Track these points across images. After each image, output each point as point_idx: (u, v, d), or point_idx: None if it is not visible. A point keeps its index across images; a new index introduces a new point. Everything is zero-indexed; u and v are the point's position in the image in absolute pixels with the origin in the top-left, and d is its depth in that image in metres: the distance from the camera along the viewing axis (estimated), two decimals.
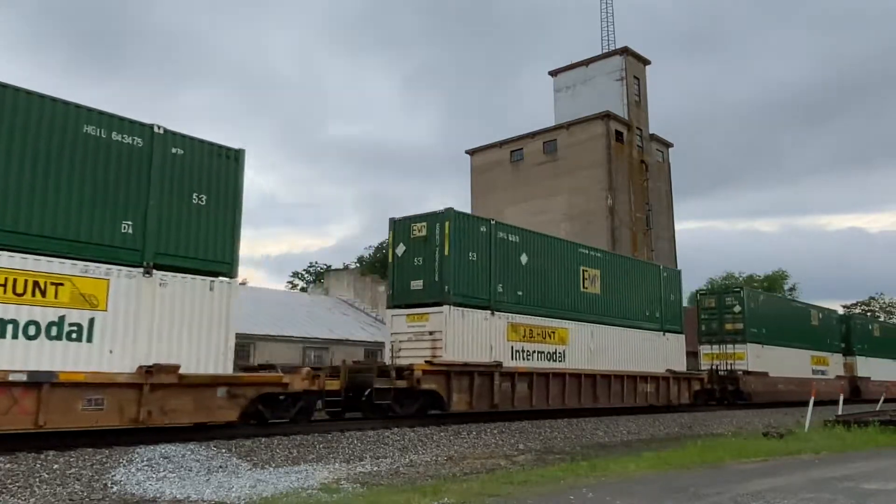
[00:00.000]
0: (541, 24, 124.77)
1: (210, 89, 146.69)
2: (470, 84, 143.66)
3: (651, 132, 51.06)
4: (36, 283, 9.55)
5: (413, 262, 16.44)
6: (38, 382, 9.24)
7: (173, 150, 11.37)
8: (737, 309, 28.10)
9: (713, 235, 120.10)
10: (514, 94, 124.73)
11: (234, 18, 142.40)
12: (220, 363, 11.45)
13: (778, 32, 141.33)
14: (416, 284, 16.19)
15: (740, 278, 68.55)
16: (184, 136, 11.57)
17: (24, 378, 9.11)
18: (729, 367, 27.31)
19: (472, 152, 53.99)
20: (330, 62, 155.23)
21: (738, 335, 27.79)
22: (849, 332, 36.54)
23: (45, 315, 9.57)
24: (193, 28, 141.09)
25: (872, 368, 37.60)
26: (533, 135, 50.31)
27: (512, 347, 17.17)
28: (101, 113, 10.62)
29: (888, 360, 39.69)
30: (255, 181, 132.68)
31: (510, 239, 17.68)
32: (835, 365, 34.46)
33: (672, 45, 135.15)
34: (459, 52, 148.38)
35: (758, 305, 29.28)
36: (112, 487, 8.21)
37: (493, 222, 17.34)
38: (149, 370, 10.33)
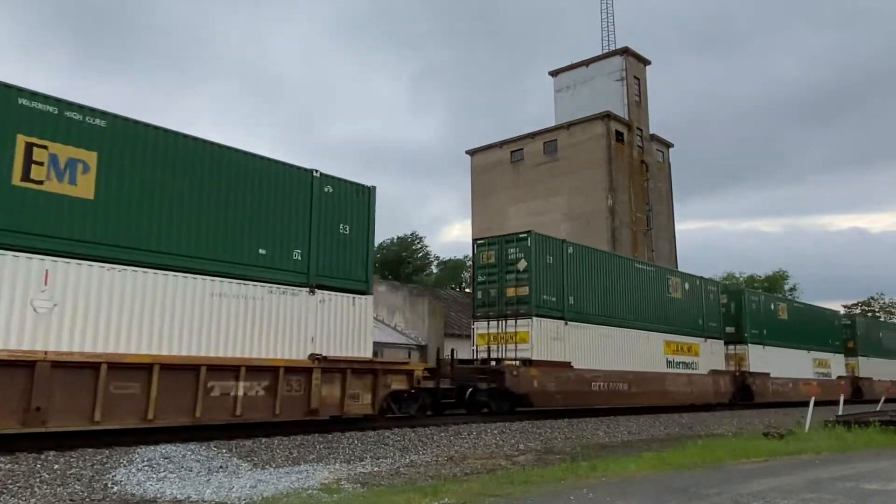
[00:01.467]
0: (548, 23, 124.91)
1: (215, 88, 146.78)
2: (476, 83, 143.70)
3: (651, 132, 51.06)
4: None
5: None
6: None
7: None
8: (521, 266, 18.54)
9: (715, 235, 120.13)
10: (521, 94, 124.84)
11: (239, 17, 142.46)
12: None
13: (783, 32, 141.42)
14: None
15: (741, 278, 68.54)
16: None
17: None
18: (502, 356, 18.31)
19: (472, 152, 53.99)
20: (335, 61, 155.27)
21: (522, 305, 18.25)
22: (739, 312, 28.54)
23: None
24: (198, 26, 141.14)
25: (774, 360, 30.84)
26: (533, 135, 50.32)
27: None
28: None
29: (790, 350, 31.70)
30: None
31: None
32: (708, 354, 25.84)
33: (676, 45, 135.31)
34: (466, 52, 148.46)
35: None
36: (112, 487, 8.21)
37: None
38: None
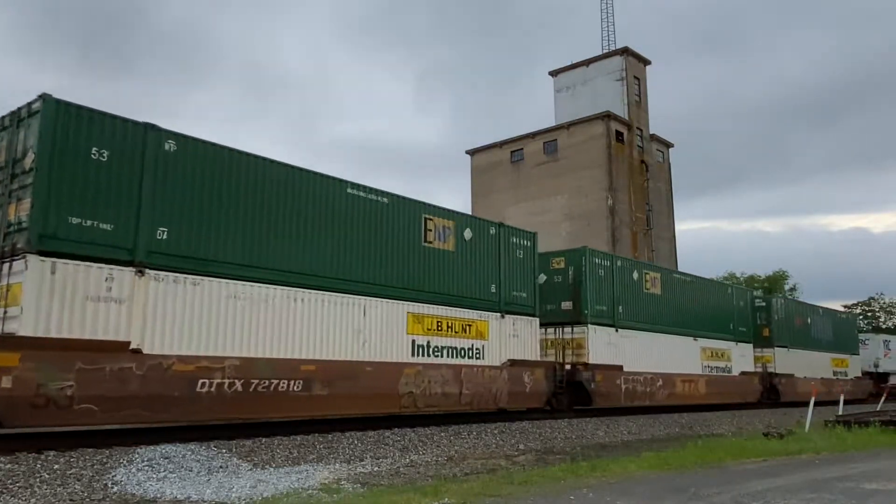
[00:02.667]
0: (554, 23, 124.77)
1: (219, 87, 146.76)
2: (480, 83, 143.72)
3: (651, 132, 51.07)
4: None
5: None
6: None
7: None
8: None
9: (716, 235, 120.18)
10: (526, 94, 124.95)
11: (243, 16, 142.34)
12: None
13: (787, 31, 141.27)
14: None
15: (741, 278, 68.51)
16: (516, 230, 18.67)
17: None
18: None
19: (472, 152, 53.99)
20: (340, 60, 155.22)
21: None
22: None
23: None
24: (202, 25, 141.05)
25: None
26: (533, 135, 50.32)
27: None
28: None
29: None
30: None
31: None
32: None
33: (678, 45, 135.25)
34: (470, 52, 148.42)
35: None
36: (112, 487, 8.21)
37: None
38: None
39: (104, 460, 9.19)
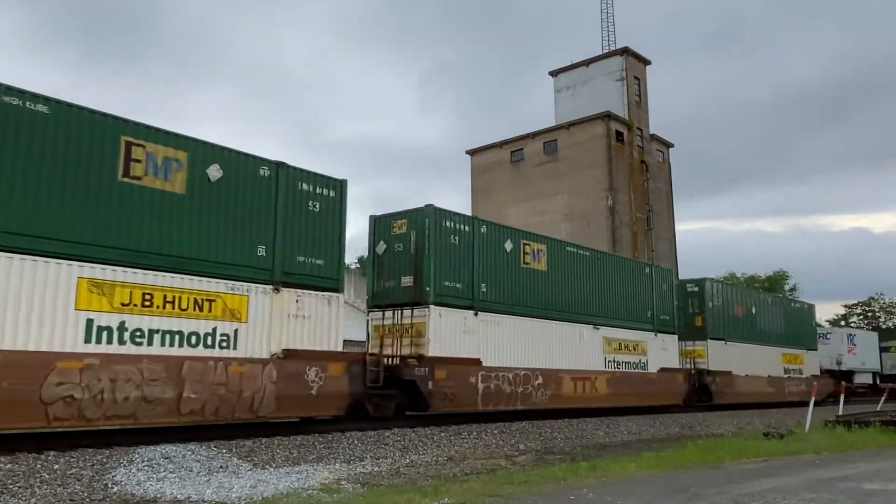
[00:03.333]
0: (557, 23, 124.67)
1: (223, 87, 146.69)
2: (484, 83, 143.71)
3: (652, 132, 51.07)
4: None
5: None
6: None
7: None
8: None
9: (717, 235, 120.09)
10: (529, 94, 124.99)
11: (248, 16, 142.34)
12: None
13: (790, 31, 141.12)
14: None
15: (742, 278, 68.50)
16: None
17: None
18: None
19: (472, 152, 54.00)
20: (343, 60, 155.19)
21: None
22: None
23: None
24: (206, 25, 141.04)
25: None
26: (533, 135, 50.33)
27: None
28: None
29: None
30: None
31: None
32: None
33: (682, 44, 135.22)
34: (474, 51, 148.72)
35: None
36: (112, 488, 8.21)
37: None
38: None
39: (104, 460, 9.19)
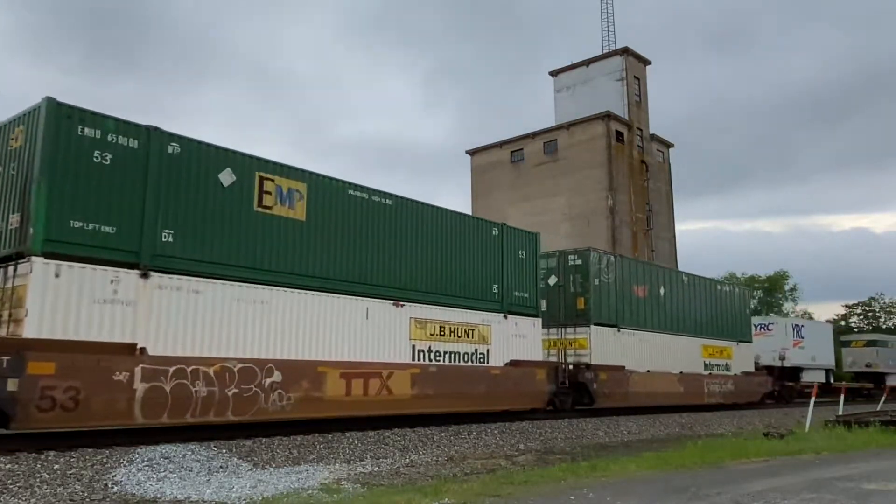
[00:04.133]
0: (561, 22, 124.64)
1: (225, 87, 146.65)
2: (487, 82, 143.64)
3: (652, 132, 51.09)
4: None
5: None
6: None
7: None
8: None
9: (718, 236, 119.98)
10: (532, 93, 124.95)
11: (250, 16, 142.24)
12: None
13: (792, 30, 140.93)
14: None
15: (742, 278, 68.50)
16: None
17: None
18: None
19: (472, 152, 54.02)
20: (347, 60, 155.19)
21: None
22: None
23: None
24: (208, 25, 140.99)
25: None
26: (533, 135, 50.34)
27: None
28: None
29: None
30: None
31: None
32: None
33: (684, 43, 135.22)
34: (478, 51, 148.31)
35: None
36: (112, 488, 8.21)
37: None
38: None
39: (104, 460, 9.19)
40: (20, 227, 10.07)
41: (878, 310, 73.66)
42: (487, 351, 16.88)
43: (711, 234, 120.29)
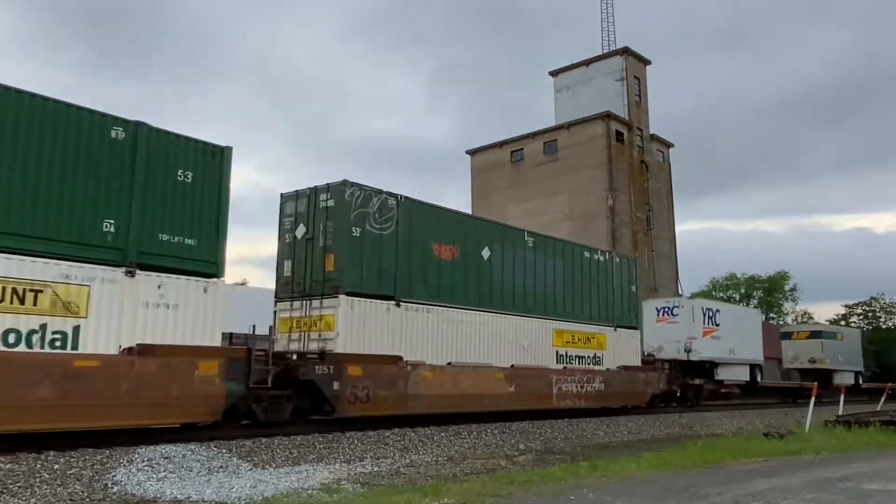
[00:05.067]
0: (563, 22, 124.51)
1: (229, 87, 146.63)
2: (490, 82, 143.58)
3: (652, 132, 51.08)
4: None
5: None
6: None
7: None
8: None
9: (719, 236, 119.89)
10: (533, 93, 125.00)
11: (254, 16, 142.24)
12: None
13: (794, 30, 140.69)
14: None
15: (742, 279, 68.54)
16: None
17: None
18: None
19: (472, 152, 54.01)
20: (350, 60, 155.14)
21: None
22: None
23: None
24: (212, 25, 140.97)
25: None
26: (533, 135, 50.34)
27: None
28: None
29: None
30: (260, 180, 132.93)
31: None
32: None
33: (685, 43, 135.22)
34: (481, 51, 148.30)
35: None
36: (112, 487, 8.21)
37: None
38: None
39: (104, 460, 9.19)
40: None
41: (878, 310, 73.66)
42: (79, 332, 9.73)
43: (711, 233, 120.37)
